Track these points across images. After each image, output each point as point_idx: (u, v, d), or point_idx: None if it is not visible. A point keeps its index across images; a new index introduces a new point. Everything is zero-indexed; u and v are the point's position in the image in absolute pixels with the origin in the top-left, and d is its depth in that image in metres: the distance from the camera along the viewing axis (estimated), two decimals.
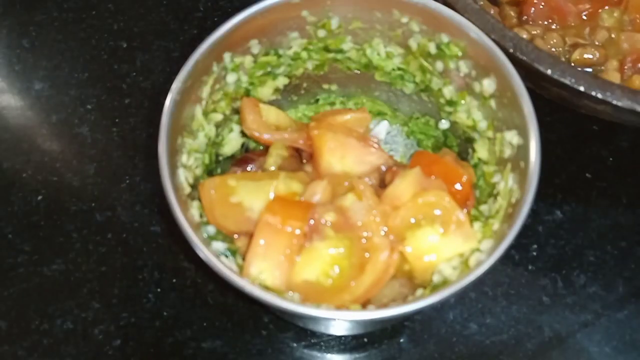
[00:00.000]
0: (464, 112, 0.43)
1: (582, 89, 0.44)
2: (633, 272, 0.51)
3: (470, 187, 0.41)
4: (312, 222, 0.38)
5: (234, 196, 0.39)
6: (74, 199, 0.53)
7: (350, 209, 0.39)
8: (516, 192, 0.38)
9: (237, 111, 0.45)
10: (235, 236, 0.40)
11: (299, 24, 0.43)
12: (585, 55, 0.52)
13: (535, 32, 0.53)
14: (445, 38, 0.41)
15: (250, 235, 0.39)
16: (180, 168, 0.39)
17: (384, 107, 0.50)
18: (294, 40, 0.44)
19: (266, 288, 0.37)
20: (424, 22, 0.41)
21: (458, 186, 0.40)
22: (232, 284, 0.35)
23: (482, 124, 0.42)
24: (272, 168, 0.42)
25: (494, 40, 0.40)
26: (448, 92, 0.43)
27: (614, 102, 0.44)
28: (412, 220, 0.38)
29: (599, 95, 0.44)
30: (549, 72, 0.44)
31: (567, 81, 0.44)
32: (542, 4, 0.54)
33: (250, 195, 0.39)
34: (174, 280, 0.51)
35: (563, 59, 0.52)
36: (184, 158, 0.40)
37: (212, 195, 0.39)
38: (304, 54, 0.45)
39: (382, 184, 0.42)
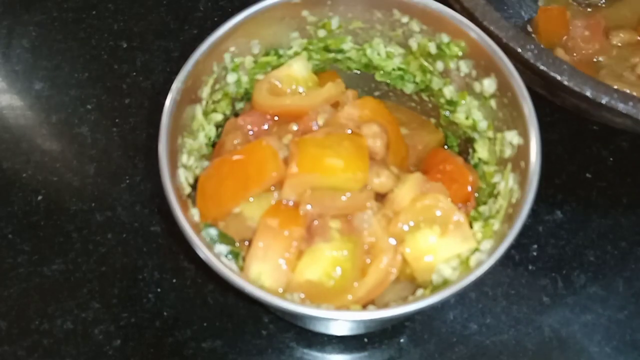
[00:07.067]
0: (464, 112, 0.43)
1: (603, 101, 0.43)
2: (633, 272, 0.51)
3: (473, 190, 0.41)
4: (315, 222, 0.38)
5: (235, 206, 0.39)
6: (74, 199, 0.53)
7: (353, 215, 0.39)
8: (516, 192, 0.38)
9: (237, 115, 0.45)
10: (237, 244, 0.40)
11: (299, 24, 0.43)
12: None
13: None
14: (445, 38, 0.41)
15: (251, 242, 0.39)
16: (181, 168, 0.39)
17: None
18: (294, 40, 0.44)
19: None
20: (424, 22, 0.41)
21: (468, 188, 0.40)
22: (232, 284, 0.35)
23: (483, 124, 0.42)
24: None
25: (514, 49, 0.38)
26: (448, 92, 0.43)
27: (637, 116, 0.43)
28: (412, 223, 0.38)
29: (621, 109, 0.43)
30: (569, 83, 0.43)
31: (587, 93, 0.43)
32: None
33: (251, 205, 0.39)
34: (174, 280, 0.51)
35: None
36: (184, 158, 0.40)
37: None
38: (304, 54, 0.45)
39: None
